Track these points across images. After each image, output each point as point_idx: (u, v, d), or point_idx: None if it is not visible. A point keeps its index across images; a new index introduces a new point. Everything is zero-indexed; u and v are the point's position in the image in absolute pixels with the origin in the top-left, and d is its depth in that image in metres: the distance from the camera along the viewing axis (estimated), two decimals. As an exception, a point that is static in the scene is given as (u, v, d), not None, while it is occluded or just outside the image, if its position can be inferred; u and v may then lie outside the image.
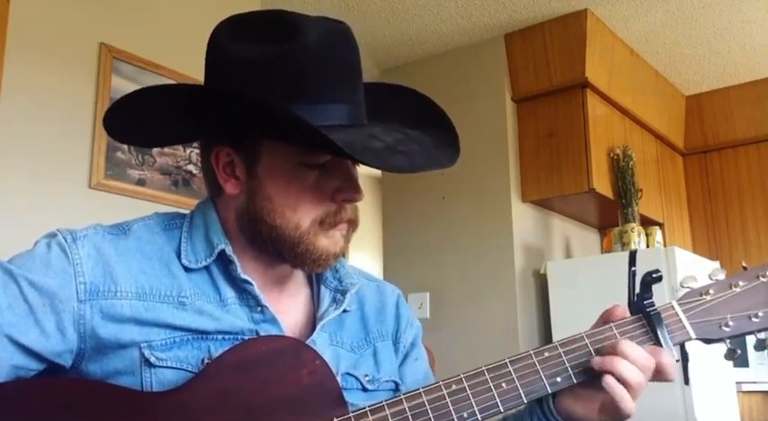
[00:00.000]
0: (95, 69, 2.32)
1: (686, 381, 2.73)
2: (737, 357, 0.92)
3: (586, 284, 2.94)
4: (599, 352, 0.89)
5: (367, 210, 4.21)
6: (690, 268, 2.96)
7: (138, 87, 0.88)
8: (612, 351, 0.87)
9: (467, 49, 3.52)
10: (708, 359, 2.92)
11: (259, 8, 2.93)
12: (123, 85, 2.36)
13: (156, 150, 2.42)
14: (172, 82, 2.48)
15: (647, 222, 3.50)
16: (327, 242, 0.91)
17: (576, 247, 3.68)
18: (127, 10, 2.46)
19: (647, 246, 3.26)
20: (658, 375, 0.88)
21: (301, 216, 0.89)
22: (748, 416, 3.39)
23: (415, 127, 0.95)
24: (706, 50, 3.62)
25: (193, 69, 2.50)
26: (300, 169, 0.88)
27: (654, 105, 3.84)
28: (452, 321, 3.26)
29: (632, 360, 0.86)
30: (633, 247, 3.17)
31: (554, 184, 3.26)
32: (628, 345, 0.86)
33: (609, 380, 0.85)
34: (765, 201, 3.90)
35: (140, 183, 2.37)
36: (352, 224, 0.93)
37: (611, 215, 3.42)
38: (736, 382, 3.24)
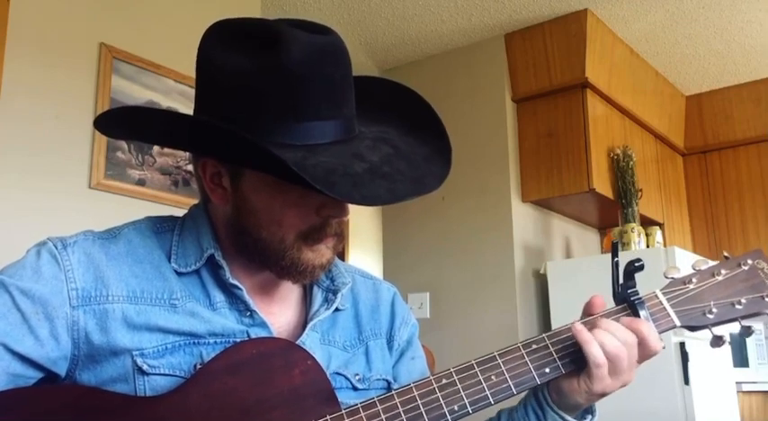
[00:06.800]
0: (95, 69, 2.32)
1: (686, 381, 2.73)
2: (722, 344, 0.93)
3: (586, 284, 2.94)
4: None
5: (367, 209, 4.20)
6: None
7: (138, 87, 0.90)
8: (592, 325, 0.90)
9: (467, 49, 3.52)
10: (708, 359, 2.92)
11: (260, 8, 2.94)
12: (123, 85, 2.36)
13: (156, 150, 2.42)
14: (171, 82, 2.48)
15: (647, 222, 3.50)
16: (312, 255, 0.90)
17: (576, 247, 3.68)
18: (127, 10, 2.46)
19: (647, 247, 3.26)
20: (643, 346, 0.89)
21: (286, 230, 0.88)
22: (748, 416, 3.39)
23: (409, 133, 0.95)
24: (706, 50, 3.62)
25: (193, 69, 2.50)
26: (283, 185, 0.86)
27: (654, 105, 3.84)
28: (452, 321, 3.26)
29: (610, 330, 0.88)
30: (633, 248, 3.17)
31: (554, 184, 3.26)
32: (606, 320, 0.90)
33: (588, 347, 0.87)
34: (765, 201, 3.90)
35: (140, 183, 2.37)
36: (339, 237, 0.92)
37: (611, 215, 3.42)
38: (736, 382, 3.24)
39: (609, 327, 0.89)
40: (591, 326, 0.90)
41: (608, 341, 0.87)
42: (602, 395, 0.90)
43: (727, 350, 3.21)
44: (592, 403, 0.94)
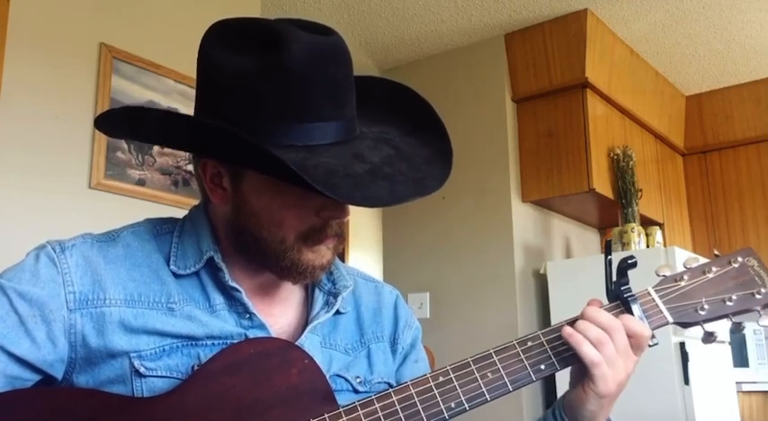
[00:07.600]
0: (95, 69, 2.32)
1: (686, 381, 2.73)
2: (714, 340, 0.94)
3: (586, 284, 2.94)
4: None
5: (367, 209, 4.20)
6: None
7: (138, 87, 0.90)
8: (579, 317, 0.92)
9: (467, 49, 3.52)
10: (708, 359, 2.92)
11: (260, 8, 2.93)
12: (123, 85, 2.36)
13: (156, 150, 2.42)
14: (171, 82, 2.48)
15: (647, 222, 3.50)
16: (313, 256, 0.90)
17: (576, 247, 3.68)
18: (127, 10, 2.46)
19: (647, 246, 3.26)
20: (633, 341, 0.91)
21: (286, 231, 0.88)
22: (748, 416, 3.39)
23: (410, 134, 0.94)
24: (706, 50, 3.62)
25: (193, 69, 2.50)
26: (284, 186, 0.85)
27: (654, 105, 3.84)
28: (452, 321, 3.26)
29: (589, 317, 0.91)
30: (633, 248, 3.17)
31: (554, 184, 3.26)
32: (587, 308, 0.92)
33: (581, 348, 0.88)
34: (765, 201, 3.90)
35: (140, 183, 2.37)
36: (339, 238, 0.92)
37: (611, 215, 3.42)
38: (736, 382, 3.24)
39: (589, 315, 0.91)
40: (573, 322, 0.92)
41: (590, 329, 0.89)
42: (612, 395, 0.90)
43: (727, 350, 3.20)
44: (606, 409, 0.93)
